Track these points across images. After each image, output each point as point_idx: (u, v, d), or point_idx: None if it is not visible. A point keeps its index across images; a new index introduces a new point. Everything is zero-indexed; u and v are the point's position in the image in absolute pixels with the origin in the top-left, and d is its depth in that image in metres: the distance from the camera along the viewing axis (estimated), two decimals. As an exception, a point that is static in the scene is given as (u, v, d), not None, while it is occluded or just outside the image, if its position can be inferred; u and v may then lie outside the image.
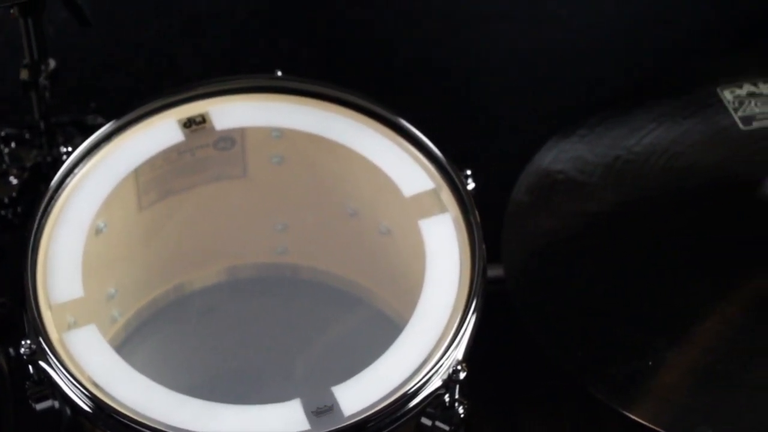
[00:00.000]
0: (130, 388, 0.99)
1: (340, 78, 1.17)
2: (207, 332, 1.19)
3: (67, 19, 1.18)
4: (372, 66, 1.42)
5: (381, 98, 1.15)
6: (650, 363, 1.07)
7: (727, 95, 1.24)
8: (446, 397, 1.00)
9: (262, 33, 1.44)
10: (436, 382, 0.99)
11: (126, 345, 1.16)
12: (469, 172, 1.11)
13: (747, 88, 1.24)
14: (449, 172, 1.10)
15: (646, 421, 1.04)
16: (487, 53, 1.42)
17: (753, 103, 1.24)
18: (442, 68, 1.42)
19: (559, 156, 1.23)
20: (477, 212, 1.08)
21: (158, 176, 1.13)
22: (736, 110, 1.23)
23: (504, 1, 1.42)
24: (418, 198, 1.10)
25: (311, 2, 1.47)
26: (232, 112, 1.14)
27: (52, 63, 1.21)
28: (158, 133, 1.13)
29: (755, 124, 1.22)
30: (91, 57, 1.42)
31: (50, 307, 1.03)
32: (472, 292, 1.04)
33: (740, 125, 1.22)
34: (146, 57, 1.44)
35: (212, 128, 1.13)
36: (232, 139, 1.15)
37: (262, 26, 1.45)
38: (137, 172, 1.11)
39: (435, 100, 1.41)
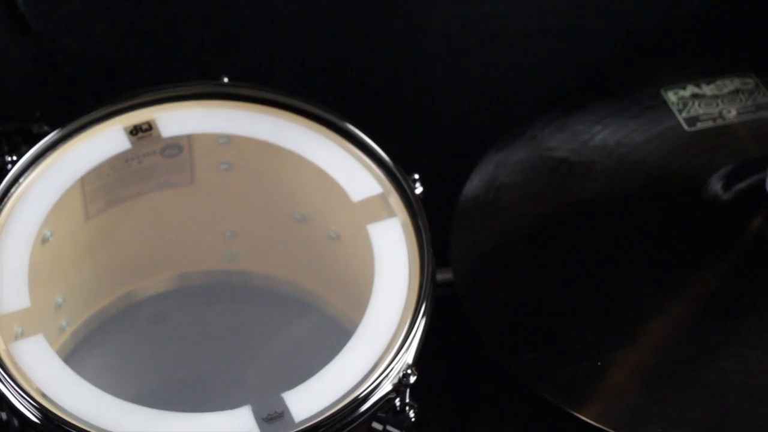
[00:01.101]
0: (78, 398, 0.99)
1: (288, 84, 1.18)
2: (157, 340, 1.19)
3: (8, 25, 1.17)
4: (321, 72, 1.43)
5: (329, 104, 1.15)
6: (599, 363, 1.08)
7: (671, 97, 1.26)
8: (397, 402, 1.01)
9: (204, 38, 1.44)
10: (387, 387, 1.00)
11: (74, 354, 1.16)
12: (416, 176, 1.11)
13: (690, 89, 1.27)
14: (397, 177, 1.11)
15: (595, 421, 1.05)
16: (436, 58, 1.43)
17: (696, 104, 1.26)
18: (391, 73, 1.43)
19: (506, 160, 1.24)
20: (425, 216, 1.08)
21: (105, 184, 1.13)
22: (680, 111, 1.25)
23: (451, 6, 1.43)
24: (366, 203, 1.10)
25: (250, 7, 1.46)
26: (178, 118, 1.14)
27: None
28: (104, 141, 1.13)
29: (699, 125, 1.24)
30: (35, 64, 1.41)
31: (-3, 317, 1.03)
32: (422, 296, 1.04)
33: (684, 126, 1.24)
34: (91, 64, 1.43)
35: (159, 135, 1.13)
36: (179, 146, 1.14)
37: (197, 32, 1.44)
38: (83, 181, 1.11)
39: (384, 105, 1.41)
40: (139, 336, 1.19)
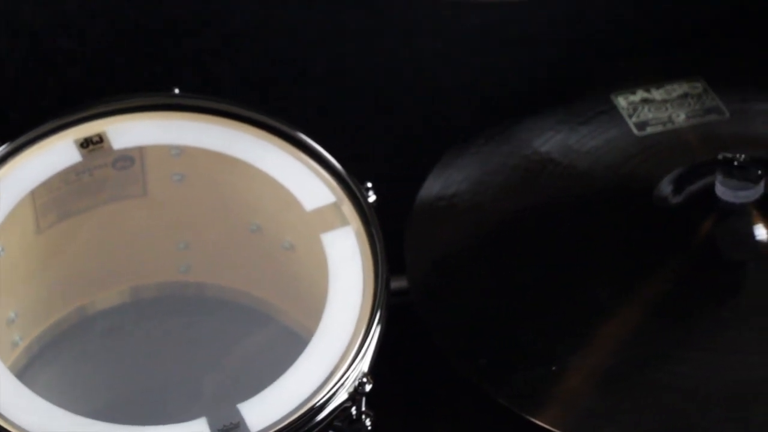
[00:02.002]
0: (32, 414, 0.98)
1: (241, 94, 1.20)
2: (111, 354, 1.19)
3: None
4: (273, 80, 1.43)
5: (281, 113, 1.16)
6: (554, 368, 1.09)
7: (622, 102, 1.27)
8: (353, 410, 1.01)
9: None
10: (342, 396, 1.00)
11: (28, 370, 1.15)
12: (369, 185, 1.12)
13: (640, 94, 1.28)
14: (350, 186, 1.12)
15: (550, 425, 1.06)
16: (388, 67, 1.44)
17: (646, 109, 1.27)
18: (345, 82, 1.43)
19: (459, 167, 1.25)
20: (378, 224, 1.09)
21: (56, 198, 1.13)
22: (630, 116, 1.26)
23: (401, 15, 1.44)
24: (319, 212, 1.11)
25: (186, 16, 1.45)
26: (129, 130, 1.15)
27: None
28: (55, 154, 1.13)
29: (649, 130, 1.26)
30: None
31: (-52, 333, 1.03)
32: (376, 304, 1.05)
33: (635, 131, 1.25)
34: (38, 77, 1.42)
35: (110, 147, 1.14)
36: (130, 158, 1.15)
37: (145, 43, 1.44)
38: (34, 195, 1.11)
39: (337, 114, 1.41)
40: (93, 350, 1.19)
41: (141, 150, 1.14)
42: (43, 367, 1.16)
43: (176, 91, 1.16)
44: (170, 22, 1.42)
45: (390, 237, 1.09)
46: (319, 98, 1.42)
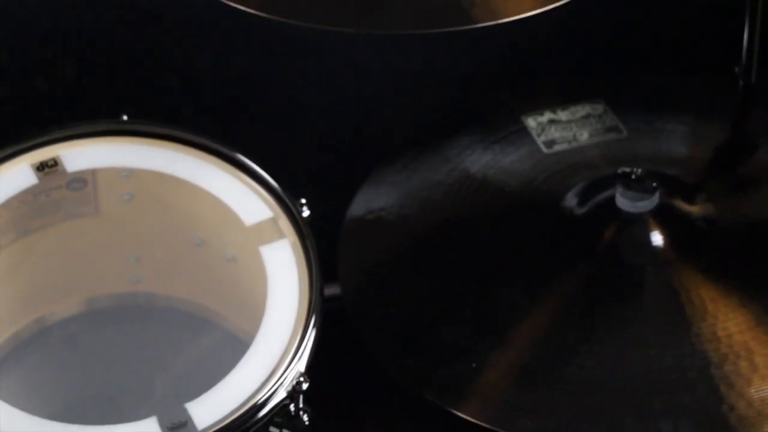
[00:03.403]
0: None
1: (177, 119, 1.20)
2: (69, 361, 1.19)
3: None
4: (215, 103, 1.44)
5: (220, 137, 1.17)
6: (474, 365, 1.11)
7: (531, 122, 1.29)
8: (291, 407, 1.03)
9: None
10: (282, 394, 1.02)
11: (-11, 379, 1.15)
12: (303, 201, 1.13)
13: (548, 115, 1.30)
14: (286, 202, 1.13)
15: (472, 417, 1.09)
16: (319, 86, 1.44)
17: (553, 129, 1.29)
18: (278, 101, 1.44)
19: (387, 182, 1.27)
20: (313, 237, 1.11)
21: (15, 217, 1.15)
22: (539, 135, 1.28)
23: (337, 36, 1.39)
24: (258, 226, 1.13)
25: (125, 35, 1.45)
26: (82, 154, 1.16)
27: None
28: (12, 177, 1.15)
29: (556, 147, 1.28)
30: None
31: None
32: (311, 310, 1.06)
33: (543, 149, 1.28)
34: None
35: (64, 170, 1.15)
36: (83, 180, 1.16)
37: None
38: (-6, 215, 1.12)
39: (273, 133, 1.42)
40: (52, 357, 1.19)
41: (93, 172, 1.16)
42: (5, 374, 1.17)
43: (124, 117, 1.18)
44: (124, 52, 1.43)
45: (323, 248, 1.11)
46: (254, 120, 1.42)
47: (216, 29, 1.43)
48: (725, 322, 1.13)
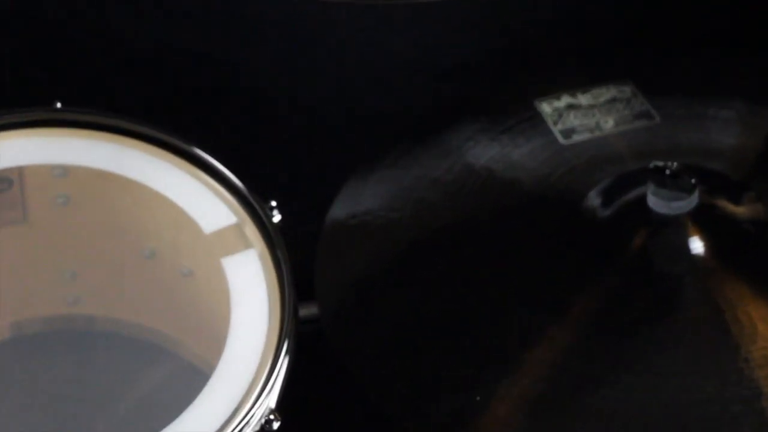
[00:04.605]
0: None
1: (128, 108, 1.16)
2: None
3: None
4: (167, 92, 1.43)
5: (175, 128, 1.15)
6: (478, 398, 1.06)
7: (546, 108, 1.27)
8: None
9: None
10: None
11: None
12: (274, 204, 1.12)
13: (565, 99, 1.28)
14: (252, 205, 1.11)
15: None
16: (295, 80, 1.44)
17: (572, 115, 1.27)
18: (248, 93, 1.43)
19: (373, 180, 1.24)
20: (284, 246, 1.08)
21: None
22: (555, 123, 1.26)
23: (316, 28, 1.45)
24: (220, 234, 1.11)
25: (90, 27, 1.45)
26: (6, 149, 1.14)
27: None
28: None
29: (575, 137, 1.25)
30: None
31: None
32: (283, 334, 1.04)
33: (560, 139, 1.25)
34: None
35: None
36: (8, 179, 1.14)
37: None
38: None
39: (239, 127, 1.42)
40: None
41: (20, 170, 1.14)
42: None
43: (58, 105, 1.16)
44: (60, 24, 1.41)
45: (298, 260, 1.09)
46: (216, 110, 1.43)
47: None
48: (779, 344, 1.15)
